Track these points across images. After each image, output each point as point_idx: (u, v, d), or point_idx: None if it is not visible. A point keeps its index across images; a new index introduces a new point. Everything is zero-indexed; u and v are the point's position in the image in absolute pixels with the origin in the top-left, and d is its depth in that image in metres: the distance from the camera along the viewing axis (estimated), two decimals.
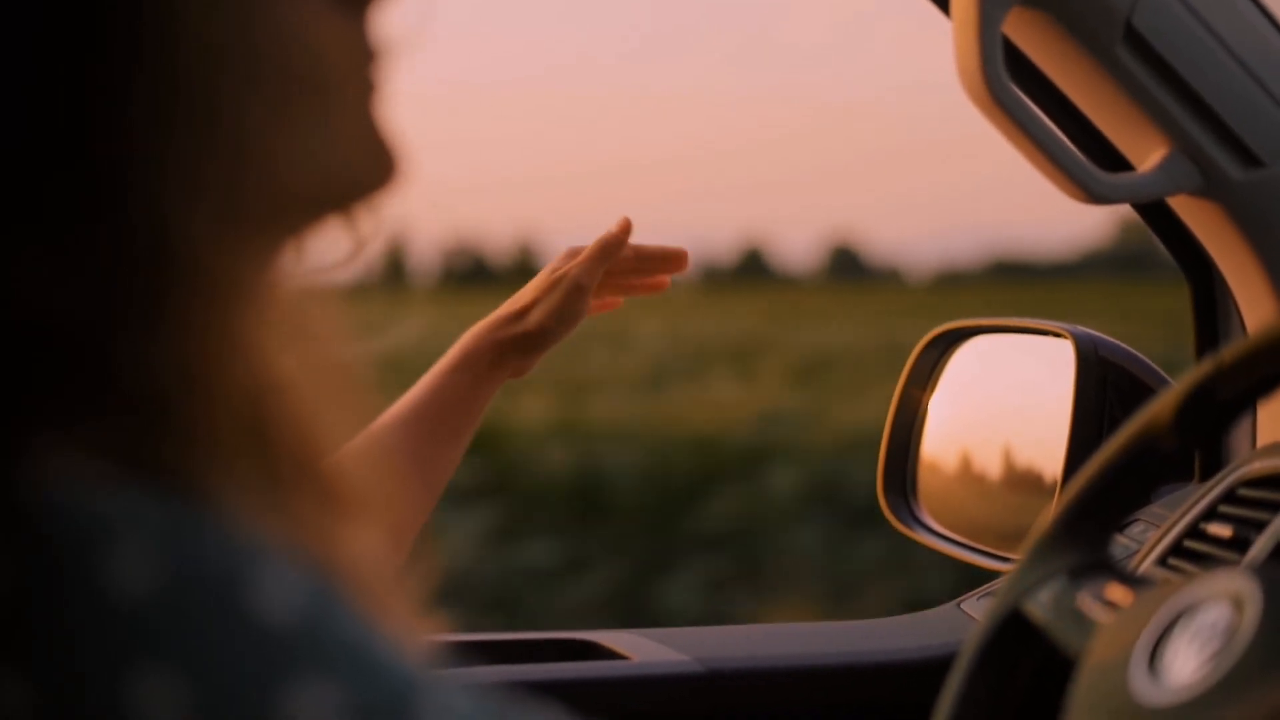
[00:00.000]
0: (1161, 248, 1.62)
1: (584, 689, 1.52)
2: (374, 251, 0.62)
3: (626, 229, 1.47)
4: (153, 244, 0.50)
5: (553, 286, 1.43)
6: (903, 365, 1.85)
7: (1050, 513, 1.00)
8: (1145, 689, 0.80)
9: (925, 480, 1.85)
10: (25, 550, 0.46)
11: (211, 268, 0.51)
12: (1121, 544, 1.51)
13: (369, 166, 0.58)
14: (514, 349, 1.42)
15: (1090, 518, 0.99)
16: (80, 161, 0.49)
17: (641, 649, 1.59)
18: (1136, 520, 1.54)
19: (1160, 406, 0.95)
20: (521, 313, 1.43)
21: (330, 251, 0.60)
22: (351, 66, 0.57)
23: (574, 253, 1.46)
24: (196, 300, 0.50)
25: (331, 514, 0.54)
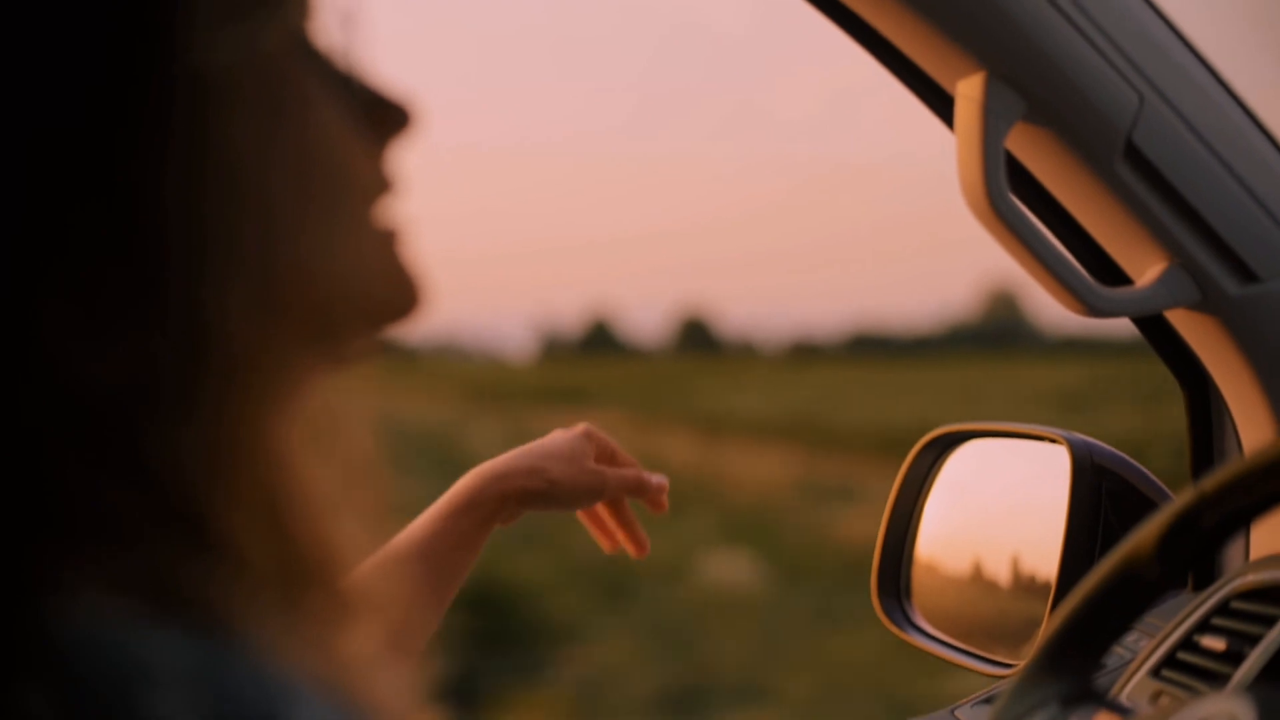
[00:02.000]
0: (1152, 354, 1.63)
1: None
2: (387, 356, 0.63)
3: (664, 487, 1.53)
4: (189, 332, 0.51)
5: (577, 467, 1.46)
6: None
7: (1035, 643, 1.01)
8: None
9: (920, 583, 1.86)
10: (63, 693, 0.46)
11: (246, 361, 0.52)
12: (1115, 654, 1.51)
13: (392, 292, 0.60)
14: (519, 499, 1.44)
15: (1077, 646, 0.99)
16: (121, 245, 0.50)
17: None
18: (1131, 630, 1.55)
19: (1143, 537, 0.96)
20: (537, 470, 1.44)
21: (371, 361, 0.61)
22: (371, 190, 0.59)
23: (590, 434, 1.50)
24: (228, 392, 0.51)
25: (348, 626, 0.55)
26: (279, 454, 0.53)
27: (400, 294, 0.60)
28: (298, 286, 0.55)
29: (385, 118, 0.60)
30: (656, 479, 1.52)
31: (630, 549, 1.54)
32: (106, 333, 0.50)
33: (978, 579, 1.84)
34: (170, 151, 0.51)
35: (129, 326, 0.50)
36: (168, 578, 0.50)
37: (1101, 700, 0.97)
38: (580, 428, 1.50)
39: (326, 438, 0.57)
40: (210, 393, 0.51)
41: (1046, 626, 1.01)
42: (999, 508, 1.89)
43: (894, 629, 1.84)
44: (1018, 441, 1.84)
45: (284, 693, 0.49)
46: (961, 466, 1.87)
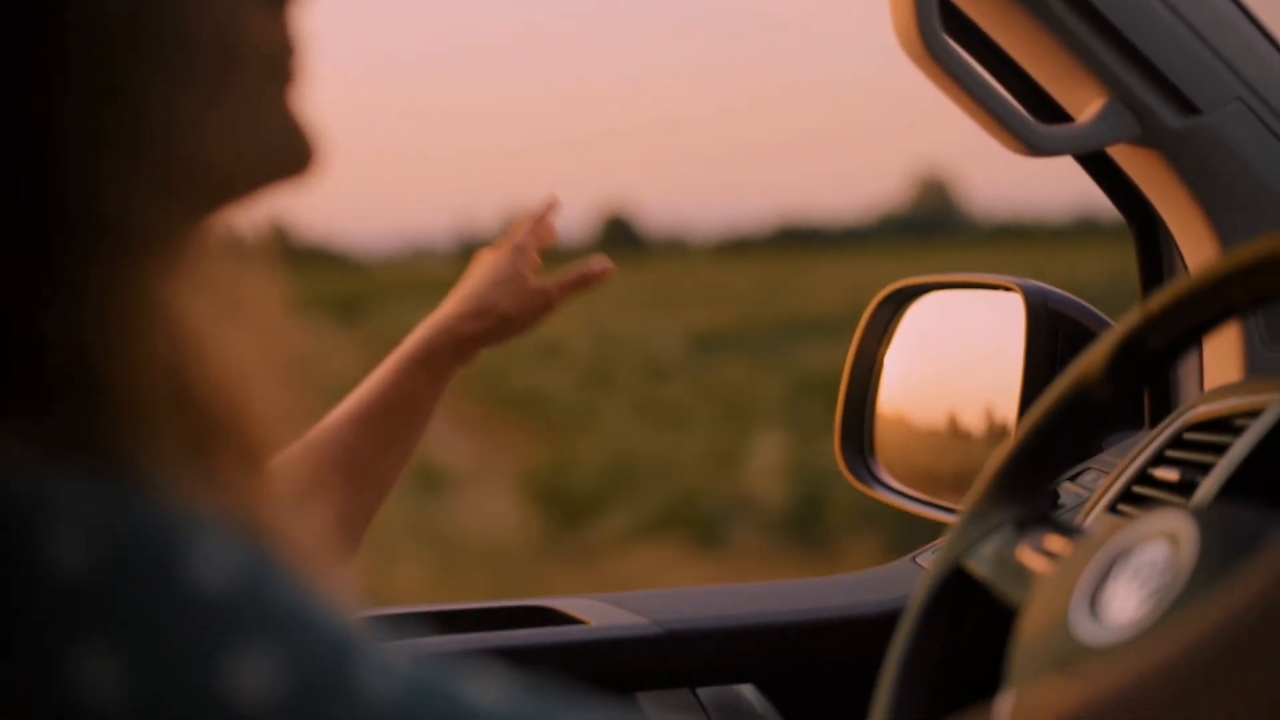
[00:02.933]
0: (1102, 197, 1.62)
1: (542, 654, 1.52)
2: (300, 228, 0.63)
3: (607, 270, 1.48)
4: (83, 214, 0.51)
5: (521, 290, 1.43)
6: None
7: (987, 468, 1.01)
8: (1087, 630, 0.81)
9: (882, 437, 1.86)
10: None
11: (138, 237, 0.52)
12: (1072, 492, 1.52)
13: (287, 153, 0.59)
14: (473, 343, 1.42)
15: (1028, 471, 0.99)
16: (10, 135, 0.50)
17: (597, 613, 1.59)
18: (1087, 469, 1.55)
19: (1091, 358, 0.96)
20: (484, 310, 1.42)
21: (257, 228, 0.60)
22: (271, 55, 0.58)
23: (520, 248, 1.46)
24: (122, 268, 0.51)
25: (261, 480, 0.55)
26: (179, 320, 0.53)
27: (293, 156, 0.59)
28: (193, 156, 0.54)
29: None
30: (599, 265, 1.48)
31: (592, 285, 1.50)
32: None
33: (939, 429, 1.85)
34: (65, 33, 0.51)
35: (23, 213, 0.50)
36: (68, 425, 0.50)
37: (1052, 523, 0.97)
38: (507, 245, 1.46)
39: (232, 302, 0.57)
40: (104, 259, 0.51)
41: (996, 453, 1.01)
42: (958, 358, 1.89)
43: (858, 483, 1.84)
44: (974, 292, 1.84)
45: (187, 534, 0.49)
46: (920, 319, 1.87)
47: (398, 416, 1.39)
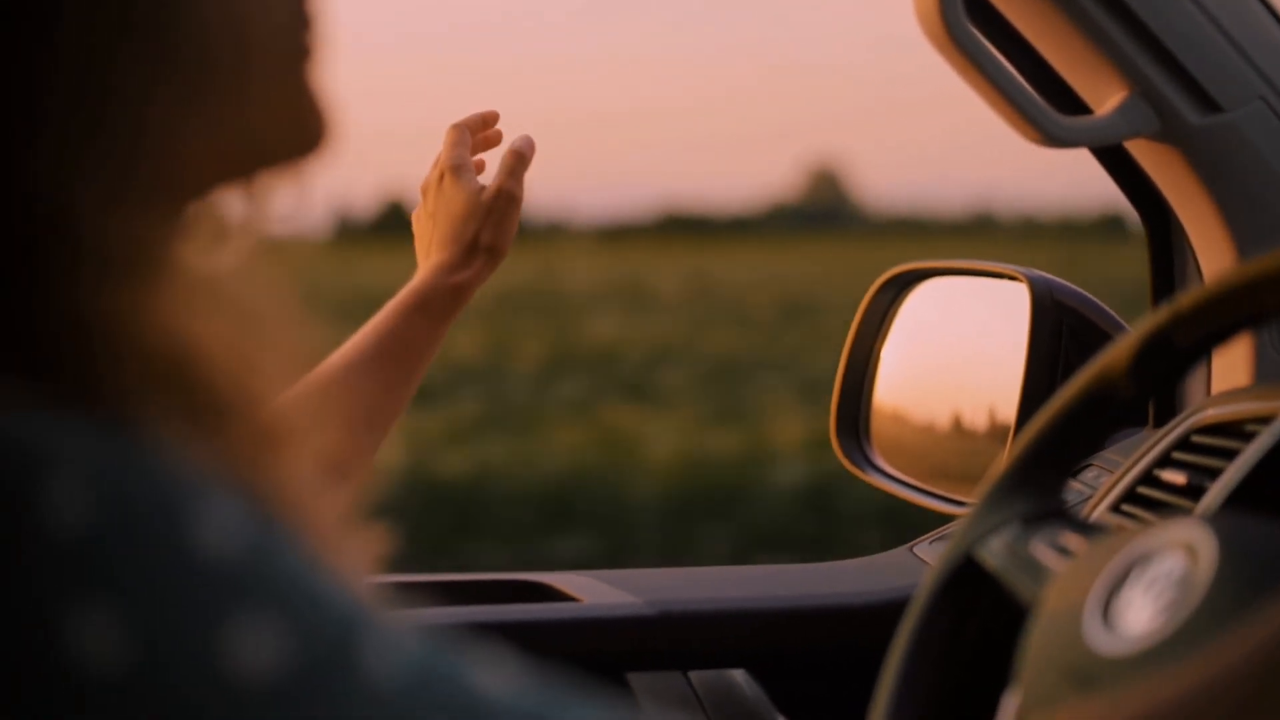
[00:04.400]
0: (1116, 192, 1.61)
1: (534, 630, 1.51)
2: (312, 206, 0.62)
3: (531, 143, 1.46)
4: (33, 215, 0.50)
5: (487, 209, 1.41)
6: None
7: (1004, 459, 0.99)
8: (1099, 639, 0.80)
9: (879, 423, 1.85)
10: None
11: (98, 239, 0.51)
12: (1075, 489, 1.51)
13: (297, 131, 0.59)
14: (472, 286, 1.41)
15: (1045, 464, 0.98)
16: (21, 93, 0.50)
17: (592, 591, 1.58)
18: (1090, 466, 1.54)
19: (1117, 353, 0.95)
20: (469, 250, 1.41)
21: (274, 206, 0.60)
22: (279, 33, 0.58)
23: (457, 147, 1.44)
24: (83, 269, 0.50)
25: (267, 448, 0.54)
26: (169, 323, 0.52)
27: (305, 133, 0.59)
28: (173, 152, 0.54)
29: None
30: (524, 140, 1.46)
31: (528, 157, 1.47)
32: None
33: (937, 418, 1.84)
34: (45, 29, 0.50)
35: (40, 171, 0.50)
36: (81, 381, 0.49)
37: (1068, 518, 0.95)
38: (447, 173, 1.44)
39: (234, 284, 0.56)
40: (61, 270, 0.50)
41: (1014, 444, 0.99)
42: (958, 346, 1.88)
43: (853, 469, 1.83)
44: (977, 279, 1.82)
45: (189, 488, 0.48)
46: (920, 306, 1.85)
47: (395, 363, 1.39)
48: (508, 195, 1.42)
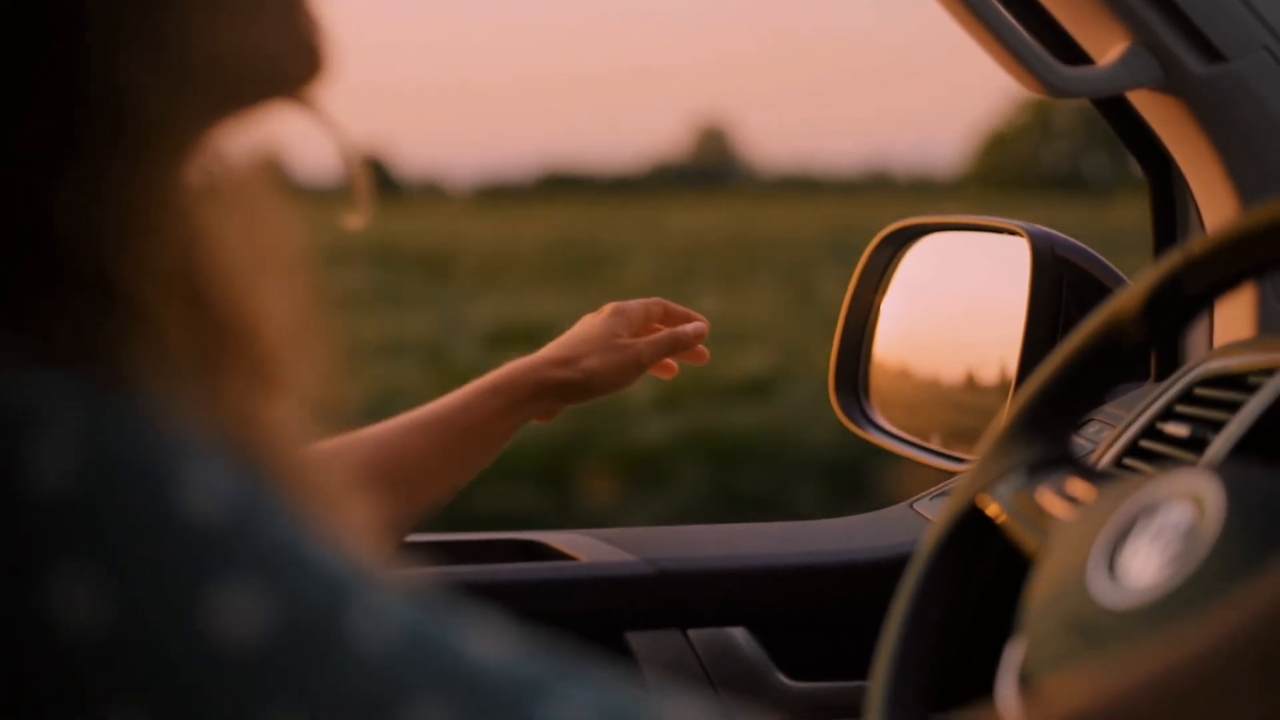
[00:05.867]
0: (1119, 141, 1.60)
1: (532, 589, 1.51)
2: (314, 148, 0.62)
3: (702, 333, 1.50)
4: (101, 97, 0.50)
5: (610, 348, 1.44)
6: None
7: (1011, 407, 0.98)
8: (1104, 591, 0.79)
9: (878, 380, 1.84)
10: None
11: (155, 128, 0.51)
12: (1077, 443, 1.50)
13: (298, 55, 0.58)
14: (555, 393, 1.43)
15: (1053, 411, 0.97)
16: (32, 11, 0.49)
17: (589, 549, 1.58)
18: (1092, 420, 1.53)
19: (1127, 299, 0.93)
20: (571, 360, 1.43)
21: (270, 145, 0.59)
22: None
23: (619, 310, 1.47)
24: (138, 158, 0.50)
25: (263, 394, 0.53)
26: (186, 215, 0.52)
27: (303, 60, 0.58)
28: (212, 53, 0.53)
29: None
30: (693, 327, 1.50)
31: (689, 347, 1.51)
32: (18, 99, 0.49)
33: (938, 374, 1.83)
34: None
35: (43, 94, 0.49)
36: (65, 328, 0.48)
37: (1075, 464, 0.94)
38: (608, 308, 1.48)
39: (244, 212, 0.56)
40: (120, 147, 0.50)
41: (1020, 391, 0.98)
42: (958, 302, 1.87)
43: (852, 426, 1.82)
44: (977, 235, 1.81)
45: (177, 449, 0.47)
46: (920, 261, 1.84)
47: (458, 438, 1.39)
48: (636, 357, 1.45)
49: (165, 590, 0.45)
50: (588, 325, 1.47)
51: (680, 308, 1.53)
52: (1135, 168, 1.60)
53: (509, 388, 1.41)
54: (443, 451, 1.39)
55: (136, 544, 0.45)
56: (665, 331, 1.49)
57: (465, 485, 1.42)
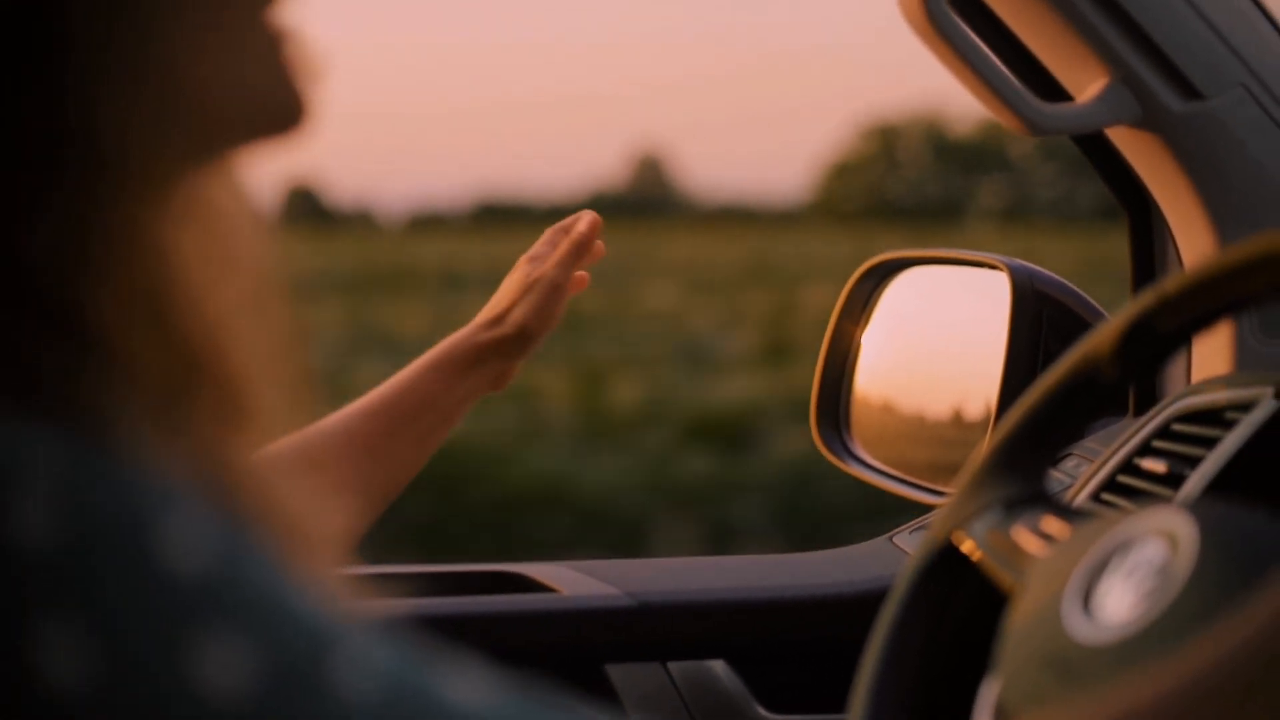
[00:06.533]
0: (1095, 179, 1.61)
1: (512, 622, 1.51)
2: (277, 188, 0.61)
3: (596, 225, 1.46)
4: (84, 137, 0.49)
5: (528, 289, 1.42)
6: None
7: (987, 444, 0.99)
8: (1079, 627, 0.79)
9: (859, 413, 1.85)
10: None
11: (133, 166, 0.50)
12: (1055, 478, 1.50)
13: (278, 101, 0.57)
14: (494, 353, 1.41)
15: (1028, 449, 0.97)
16: (12, 42, 0.49)
17: (570, 582, 1.58)
18: (1070, 455, 1.54)
19: (1101, 337, 0.94)
20: (500, 317, 1.42)
21: (254, 183, 0.59)
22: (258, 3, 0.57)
23: (530, 258, 1.45)
24: (114, 194, 0.50)
25: (237, 431, 0.53)
26: (164, 254, 0.51)
27: (286, 102, 0.58)
28: (192, 95, 0.53)
29: None
30: (584, 222, 1.46)
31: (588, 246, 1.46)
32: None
33: (918, 408, 1.84)
34: None
35: (16, 128, 0.49)
36: (41, 375, 0.48)
37: (1050, 502, 0.95)
38: (520, 260, 1.46)
39: (219, 247, 0.55)
40: (97, 183, 0.50)
41: (997, 428, 0.98)
42: (939, 335, 1.88)
43: (833, 458, 1.83)
44: (958, 269, 1.82)
45: (157, 501, 0.47)
46: (901, 295, 1.85)
47: (408, 418, 1.39)
48: (549, 281, 1.42)
49: (150, 642, 0.45)
50: (507, 282, 1.45)
51: (570, 218, 1.49)
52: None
53: (449, 360, 1.40)
54: (395, 434, 1.38)
55: (120, 596, 0.45)
56: (566, 243, 1.45)
57: (424, 465, 1.40)
